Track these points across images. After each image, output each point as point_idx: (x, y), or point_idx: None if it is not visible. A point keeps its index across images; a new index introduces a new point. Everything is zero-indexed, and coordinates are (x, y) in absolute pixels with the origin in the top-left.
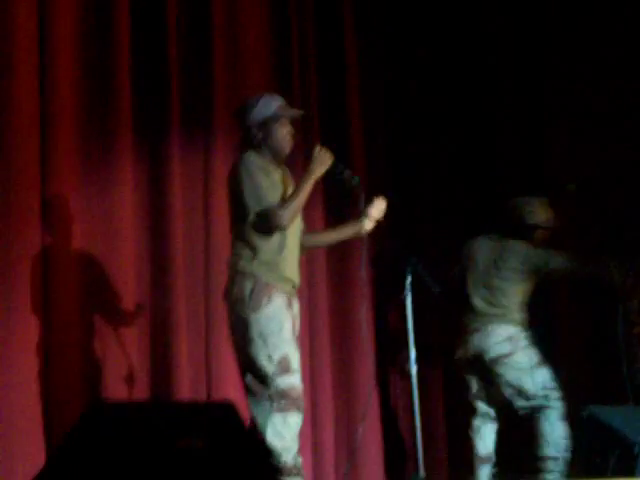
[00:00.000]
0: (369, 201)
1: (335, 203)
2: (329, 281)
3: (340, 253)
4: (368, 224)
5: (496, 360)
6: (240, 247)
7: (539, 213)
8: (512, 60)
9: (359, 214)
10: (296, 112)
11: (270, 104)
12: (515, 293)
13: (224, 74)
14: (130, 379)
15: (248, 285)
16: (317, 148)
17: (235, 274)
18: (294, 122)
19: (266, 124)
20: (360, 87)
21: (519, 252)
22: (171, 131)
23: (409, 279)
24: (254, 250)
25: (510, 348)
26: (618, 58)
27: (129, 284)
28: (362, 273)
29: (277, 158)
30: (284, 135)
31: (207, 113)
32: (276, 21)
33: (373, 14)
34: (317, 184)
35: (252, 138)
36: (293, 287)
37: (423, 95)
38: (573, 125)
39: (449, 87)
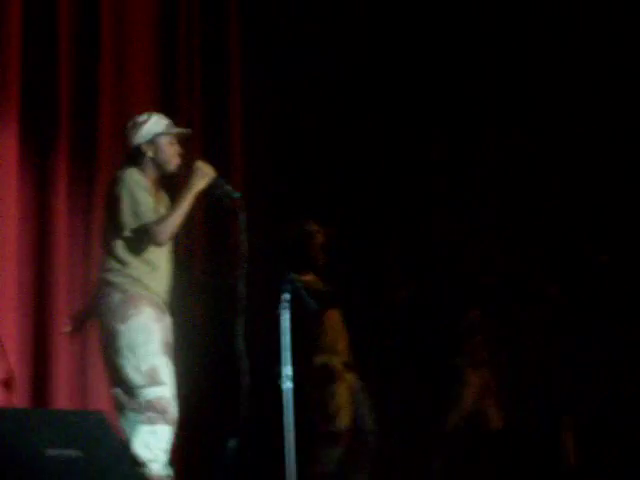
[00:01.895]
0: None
1: (215, 222)
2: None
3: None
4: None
5: None
6: (110, 261)
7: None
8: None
9: (239, 228)
10: (185, 130)
11: (159, 122)
12: None
13: (110, 86)
14: (9, 385)
15: (116, 296)
16: (198, 162)
17: (104, 286)
18: (181, 142)
19: (155, 141)
20: (243, 108)
21: None
22: (59, 138)
23: (287, 295)
24: (123, 264)
25: None
26: None
27: (10, 291)
28: (240, 287)
29: (163, 175)
30: (172, 153)
31: (93, 122)
32: (163, 39)
33: (260, 35)
34: (197, 203)
35: (139, 155)
36: (162, 302)
37: (308, 115)
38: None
39: (334, 101)
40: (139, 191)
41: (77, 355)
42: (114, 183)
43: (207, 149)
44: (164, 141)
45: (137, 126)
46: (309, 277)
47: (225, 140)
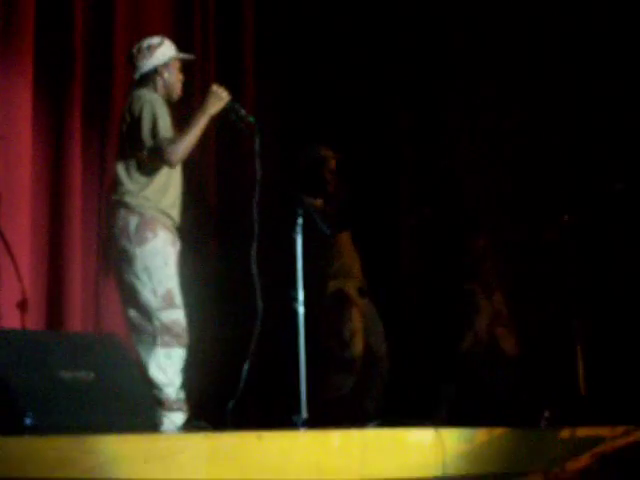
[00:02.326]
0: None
1: (226, 147)
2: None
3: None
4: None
5: None
6: (126, 181)
7: None
8: None
9: (253, 153)
10: (189, 56)
11: (172, 47)
12: None
13: (125, 38)
14: (23, 308)
15: (133, 220)
16: (213, 86)
17: (119, 208)
18: (186, 68)
19: (162, 68)
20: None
21: None
22: (73, 80)
23: (300, 220)
24: (141, 185)
25: None
26: None
27: (25, 211)
28: (253, 212)
29: (168, 102)
30: (176, 80)
31: (108, 54)
32: None
33: None
34: (209, 129)
35: (153, 77)
36: (175, 227)
37: (319, 38)
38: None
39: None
40: (159, 110)
41: (91, 277)
42: (132, 102)
43: (220, 74)
44: (170, 68)
45: (152, 48)
46: (320, 202)
47: (238, 64)
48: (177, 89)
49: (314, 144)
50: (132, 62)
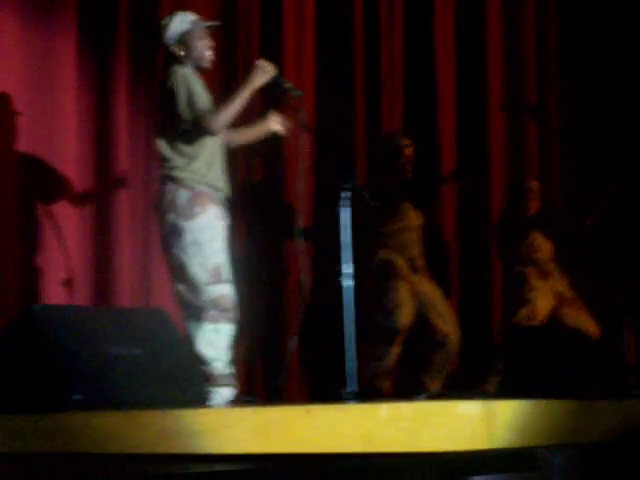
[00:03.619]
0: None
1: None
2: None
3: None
4: (274, 124)
5: None
6: (172, 156)
7: None
8: None
9: (298, 127)
10: (211, 23)
11: (184, 20)
12: None
13: None
14: (70, 283)
15: (182, 194)
16: (259, 60)
17: (168, 182)
18: (213, 35)
19: (183, 40)
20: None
21: None
22: (117, 37)
23: (346, 193)
24: (187, 159)
25: None
26: None
27: (71, 187)
28: (300, 185)
29: (199, 70)
30: (203, 47)
31: (153, 20)
32: None
33: None
34: (254, 103)
35: (174, 56)
36: (224, 200)
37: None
38: None
39: None
40: (192, 83)
41: (139, 252)
42: (166, 78)
43: (264, 48)
44: (193, 37)
45: (163, 29)
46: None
47: (281, 36)
48: (206, 55)
49: (392, 134)
50: (160, 43)
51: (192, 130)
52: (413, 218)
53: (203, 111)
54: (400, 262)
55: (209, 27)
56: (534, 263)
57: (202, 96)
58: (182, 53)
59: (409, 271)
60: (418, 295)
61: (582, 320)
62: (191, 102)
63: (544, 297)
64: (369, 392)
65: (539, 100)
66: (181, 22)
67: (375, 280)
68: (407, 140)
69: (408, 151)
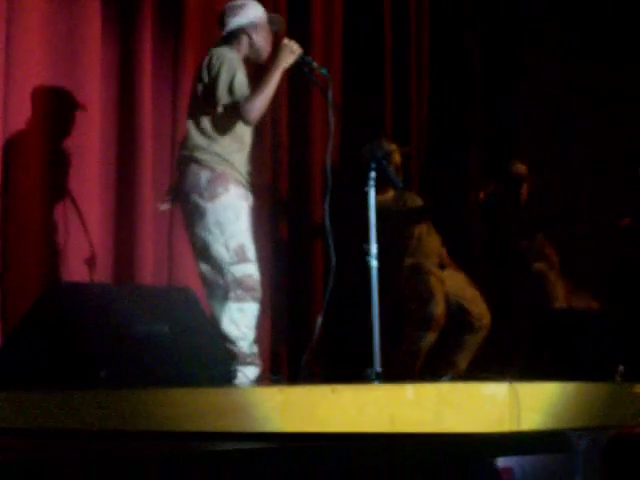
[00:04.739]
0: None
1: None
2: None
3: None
4: (288, 55)
5: None
6: (198, 137)
7: None
8: None
9: (327, 106)
10: (278, 20)
11: (259, 8)
12: None
13: None
14: (92, 262)
15: (204, 174)
16: (285, 40)
17: (191, 164)
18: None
19: (257, 25)
20: None
21: None
22: (142, 17)
23: (373, 174)
24: (211, 141)
25: None
26: None
27: (93, 165)
28: (326, 162)
29: (252, 61)
30: (265, 42)
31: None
32: None
33: None
34: (281, 83)
35: (239, 36)
36: (247, 182)
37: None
38: None
39: None
40: (237, 68)
41: (163, 232)
42: (211, 58)
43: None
44: (263, 30)
45: (237, 8)
46: (390, 194)
47: (307, 20)
48: (265, 51)
49: (379, 138)
50: (221, 19)
51: (226, 114)
52: (427, 223)
53: (241, 99)
54: (427, 264)
55: (276, 24)
56: (546, 259)
57: (244, 85)
58: (252, 36)
59: (437, 269)
60: (449, 288)
61: (592, 307)
62: (232, 88)
63: (560, 288)
64: (396, 372)
65: None
66: (257, 9)
67: (406, 279)
68: (394, 145)
69: (396, 157)
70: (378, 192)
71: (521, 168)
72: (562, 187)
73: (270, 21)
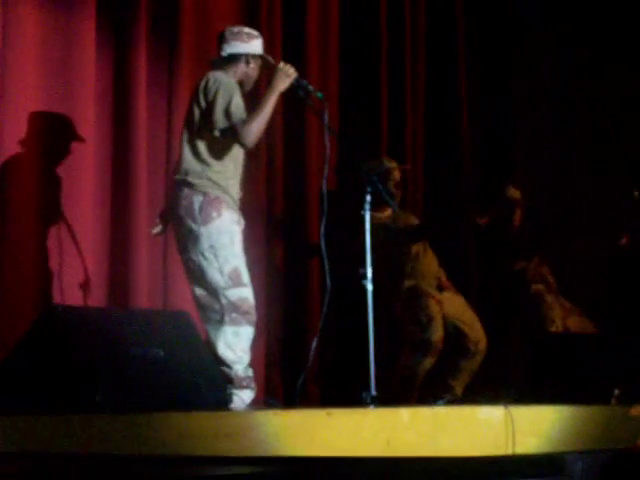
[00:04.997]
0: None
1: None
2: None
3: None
4: (284, 79)
5: None
6: (192, 161)
7: None
8: None
9: (322, 128)
10: (271, 62)
11: (259, 42)
12: None
13: None
14: (87, 285)
15: (197, 199)
16: (280, 63)
17: (183, 187)
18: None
19: (249, 57)
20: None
21: None
22: (137, 36)
23: (369, 197)
24: (205, 166)
25: None
26: None
27: (88, 188)
28: (323, 186)
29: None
30: (255, 75)
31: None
32: None
33: None
34: (277, 106)
35: (238, 63)
36: (239, 206)
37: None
38: None
39: None
40: (234, 92)
41: (158, 256)
42: (207, 81)
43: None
44: (259, 63)
45: (244, 35)
46: (387, 213)
47: (302, 40)
48: (252, 83)
49: (378, 156)
50: (224, 40)
51: (221, 139)
52: (424, 245)
53: (238, 122)
54: (425, 286)
55: (271, 62)
56: (543, 280)
57: (241, 109)
58: (250, 66)
59: (435, 290)
60: (447, 310)
61: (587, 328)
62: (229, 111)
63: (558, 310)
64: (392, 395)
65: None
66: (259, 44)
67: (405, 303)
68: (394, 162)
69: (396, 174)
70: (376, 209)
71: (515, 193)
72: (560, 202)
73: (265, 59)
